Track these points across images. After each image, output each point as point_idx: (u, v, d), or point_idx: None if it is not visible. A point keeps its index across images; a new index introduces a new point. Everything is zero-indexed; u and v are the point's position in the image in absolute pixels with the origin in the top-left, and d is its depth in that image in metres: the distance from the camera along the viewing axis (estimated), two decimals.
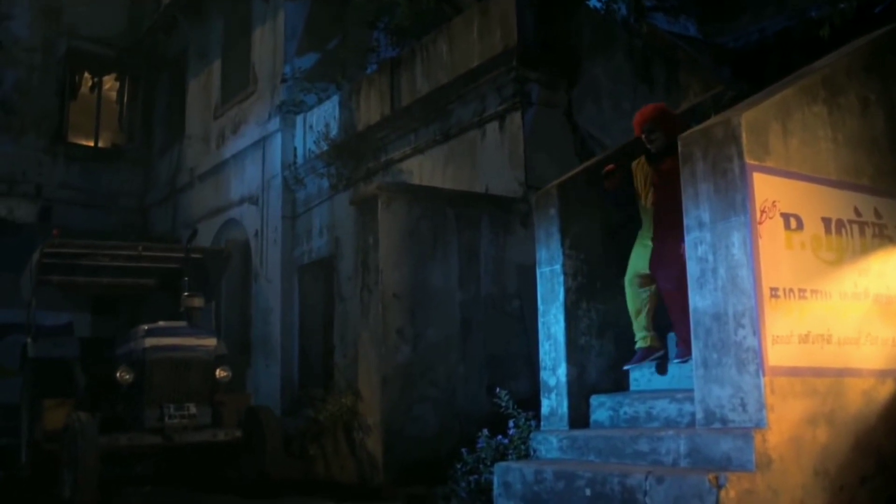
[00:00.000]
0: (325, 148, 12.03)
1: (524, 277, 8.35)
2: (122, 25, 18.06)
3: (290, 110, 13.05)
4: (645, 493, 4.88)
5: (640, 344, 6.17)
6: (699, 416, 5.12)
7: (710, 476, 4.56)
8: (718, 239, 5.07)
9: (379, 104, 11.15)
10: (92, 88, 18.35)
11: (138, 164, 18.29)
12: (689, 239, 5.27)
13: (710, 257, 5.11)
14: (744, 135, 4.99)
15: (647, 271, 6.07)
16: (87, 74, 18.28)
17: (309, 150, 12.48)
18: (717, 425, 4.98)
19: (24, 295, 9.54)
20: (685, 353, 5.79)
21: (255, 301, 13.30)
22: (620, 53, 8.97)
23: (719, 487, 4.52)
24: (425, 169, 10.15)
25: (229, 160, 14.56)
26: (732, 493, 4.52)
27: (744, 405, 4.85)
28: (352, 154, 11.53)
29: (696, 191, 5.23)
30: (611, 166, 6.20)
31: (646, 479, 4.91)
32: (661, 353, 6.15)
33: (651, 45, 8.56)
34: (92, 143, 18.31)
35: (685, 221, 5.30)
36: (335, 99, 12.24)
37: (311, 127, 12.59)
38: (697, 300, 5.17)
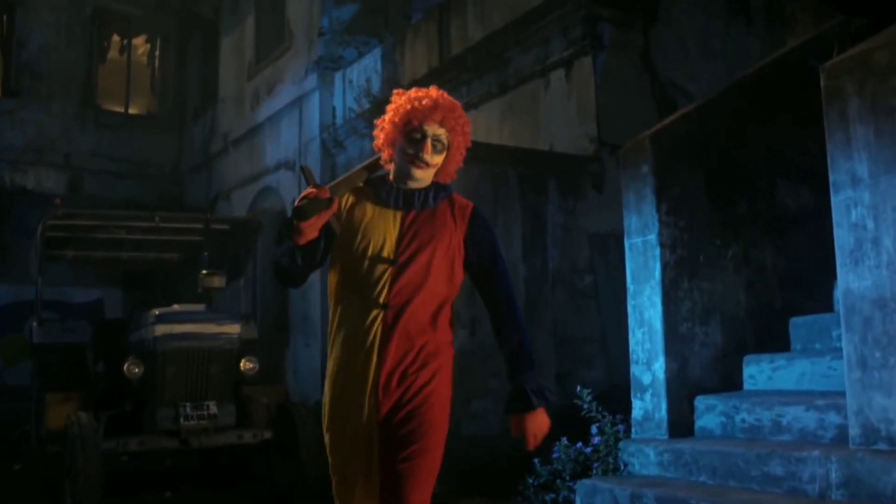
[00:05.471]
0: (367, 106, 10.89)
1: (598, 248, 7.26)
2: None
3: (328, 66, 12.02)
4: None
5: None
6: (854, 431, 3.90)
7: None
8: (882, 199, 3.82)
9: (426, 55, 10.00)
10: (121, 51, 17.55)
11: (171, 131, 17.47)
12: (837, 200, 4.03)
13: (870, 224, 3.87)
14: None
15: None
16: (115, 36, 17.41)
17: (349, 108, 11.37)
18: (883, 446, 3.75)
19: (31, 272, 8.52)
20: None
21: None
22: None
23: None
24: (480, 125, 8.94)
25: (264, 123, 13.60)
26: None
27: None
28: None
29: (848, 137, 3.98)
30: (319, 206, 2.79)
31: None
32: None
33: None
34: (122, 109, 17.49)
35: (831, 177, 4.05)
36: (377, 52, 11.10)
37: (350, 83, 11.47)
38: (851, 280, 3.93)
